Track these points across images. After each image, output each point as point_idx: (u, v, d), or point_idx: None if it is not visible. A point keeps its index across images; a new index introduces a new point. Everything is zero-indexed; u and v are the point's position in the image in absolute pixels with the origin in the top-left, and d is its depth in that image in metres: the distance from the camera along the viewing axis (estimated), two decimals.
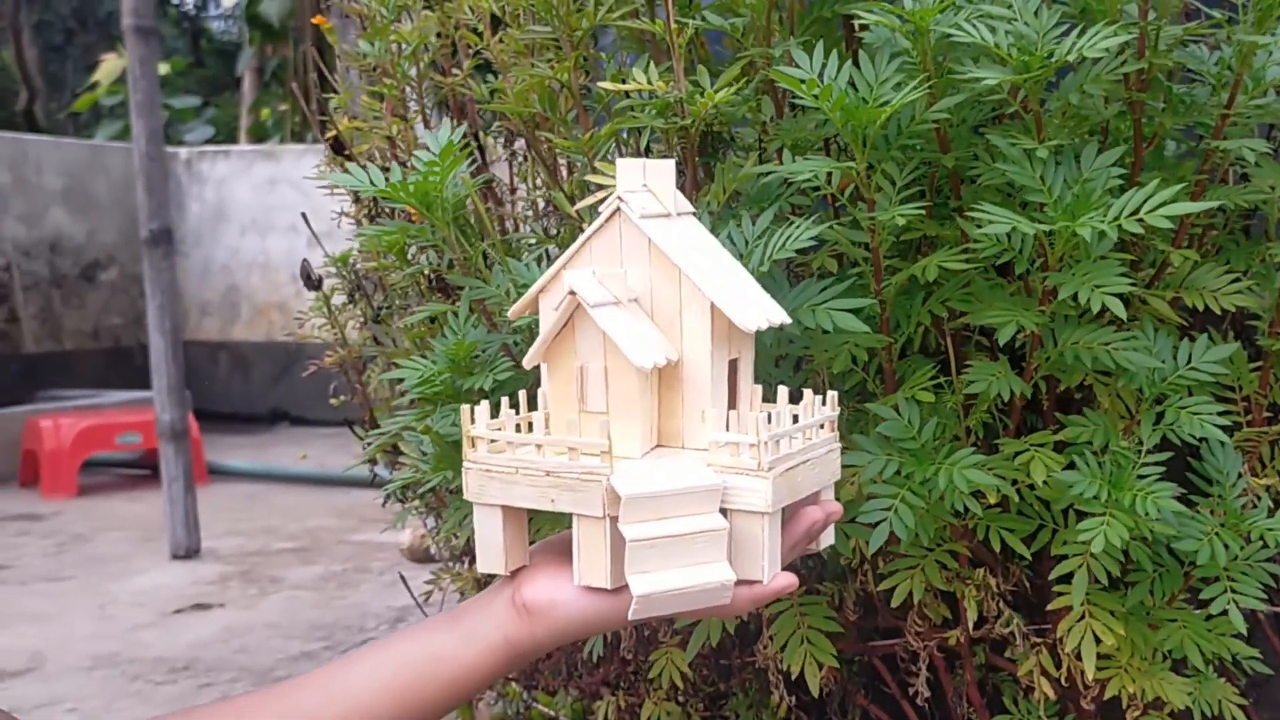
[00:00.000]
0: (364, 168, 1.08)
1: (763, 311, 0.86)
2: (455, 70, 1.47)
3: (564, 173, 1.31)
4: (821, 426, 0.86)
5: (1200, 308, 1.07)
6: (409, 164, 1.35)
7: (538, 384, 1.16)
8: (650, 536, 0.77)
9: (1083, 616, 1.10)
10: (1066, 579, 1.07)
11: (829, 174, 1.01)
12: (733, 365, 0.86)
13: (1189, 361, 1.05)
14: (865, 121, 0.98)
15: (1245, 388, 1.13)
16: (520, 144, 1.56)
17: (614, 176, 1.09)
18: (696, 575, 0.78)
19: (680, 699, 1.41)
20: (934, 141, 1.06)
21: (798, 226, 0.99)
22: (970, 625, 1.14)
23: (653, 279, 0.85)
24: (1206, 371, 1.05)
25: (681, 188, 1.10)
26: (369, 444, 1.37)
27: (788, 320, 0.87)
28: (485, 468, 0.83)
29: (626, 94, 1.10)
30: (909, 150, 1.05)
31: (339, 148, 1.60)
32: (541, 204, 1.48)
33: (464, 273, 1.14)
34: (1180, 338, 1.07)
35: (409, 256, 1.38)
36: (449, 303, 1.23)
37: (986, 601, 1.13)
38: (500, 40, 1.27)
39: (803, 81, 0.98)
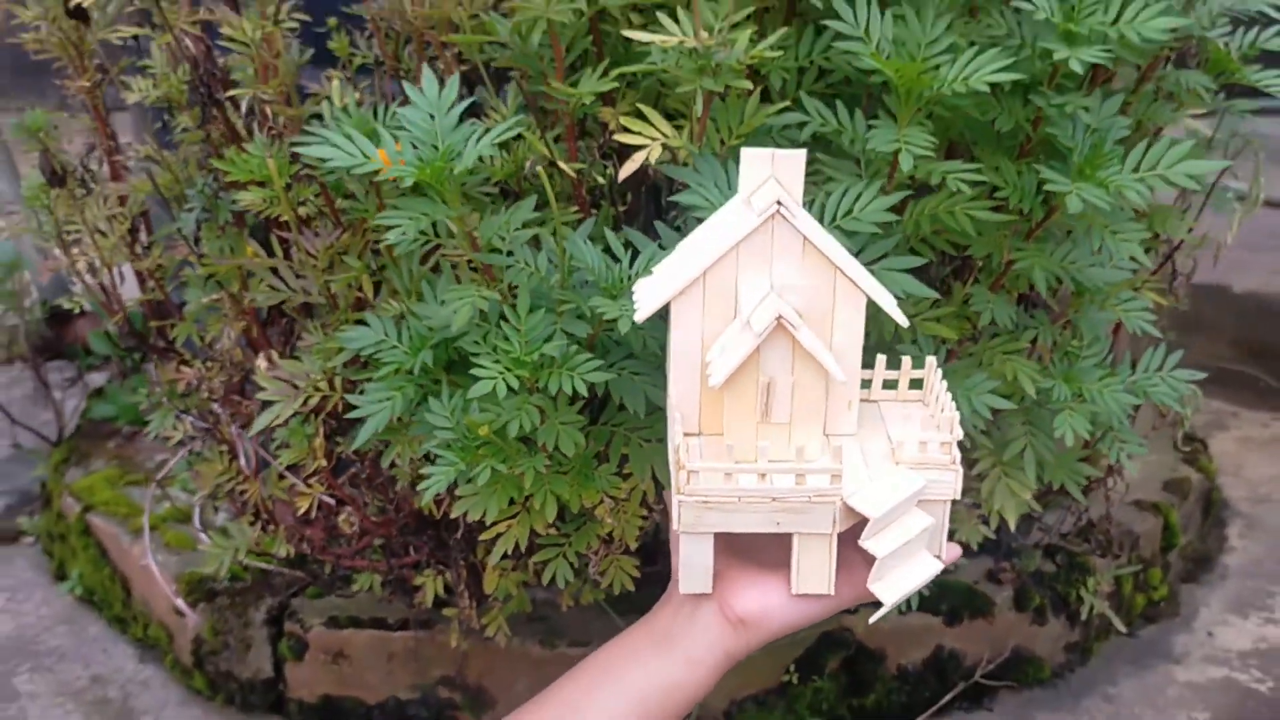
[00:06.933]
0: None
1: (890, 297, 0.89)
2: None
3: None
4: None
5: None
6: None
7: None
8: (893, 549, 0.83)
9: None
10: None
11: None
12: None
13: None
14: (919, 84, 0.97)
15: None
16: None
17: (639, 133, 1.03)
18: (921, 572, 0.85)
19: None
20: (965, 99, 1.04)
21: (859, 188, 1.00)
22: None
23: (803, 277, 0.86)
24: (1122, 268, 1.20)
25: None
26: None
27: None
28: (703, 499, 0.83)
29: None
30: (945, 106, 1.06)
31: None
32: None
33: (473, 248, 1.02)
34: None
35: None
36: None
37: None
38: None
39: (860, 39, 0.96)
